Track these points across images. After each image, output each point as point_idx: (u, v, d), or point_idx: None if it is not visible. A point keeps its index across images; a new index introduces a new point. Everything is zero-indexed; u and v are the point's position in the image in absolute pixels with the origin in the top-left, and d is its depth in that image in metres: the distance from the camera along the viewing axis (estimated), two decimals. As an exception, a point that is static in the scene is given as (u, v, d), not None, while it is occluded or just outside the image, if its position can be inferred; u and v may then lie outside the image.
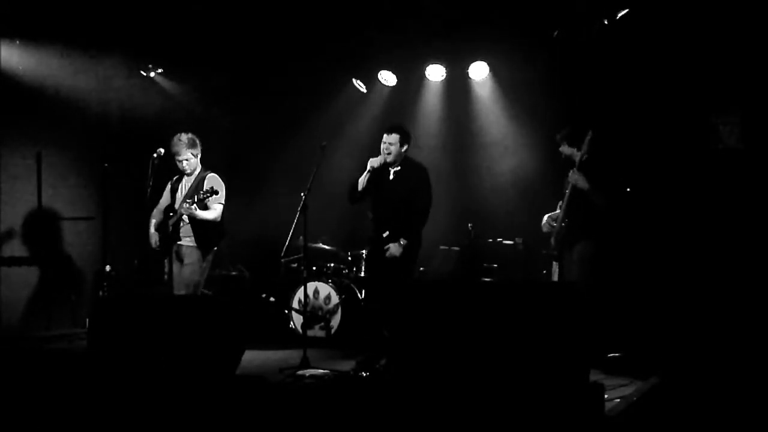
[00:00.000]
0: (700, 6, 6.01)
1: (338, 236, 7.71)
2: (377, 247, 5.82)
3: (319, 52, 7.73)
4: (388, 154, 5.73)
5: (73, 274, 7.86)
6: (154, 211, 6.14)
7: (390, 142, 5.73)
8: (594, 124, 5.58)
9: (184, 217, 5.83)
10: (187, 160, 5.92)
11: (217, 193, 5.70)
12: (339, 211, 7.29)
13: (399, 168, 5.81)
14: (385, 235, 5.75)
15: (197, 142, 5.98)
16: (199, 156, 6.02)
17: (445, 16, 6.96)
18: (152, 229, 6.02)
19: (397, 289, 5.57)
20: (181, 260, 5.93)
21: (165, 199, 6.14)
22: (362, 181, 5.79)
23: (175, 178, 6.15)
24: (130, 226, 7.70)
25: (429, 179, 5.85)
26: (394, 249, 5.65)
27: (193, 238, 5.89)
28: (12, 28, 7.10)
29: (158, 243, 5.96)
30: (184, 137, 5.92)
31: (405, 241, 5.66)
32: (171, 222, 5.88)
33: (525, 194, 7.27)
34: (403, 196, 5.74)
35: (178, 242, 5.94)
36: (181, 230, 5.90)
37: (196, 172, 6.02)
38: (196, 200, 5.69)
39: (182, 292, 5.84)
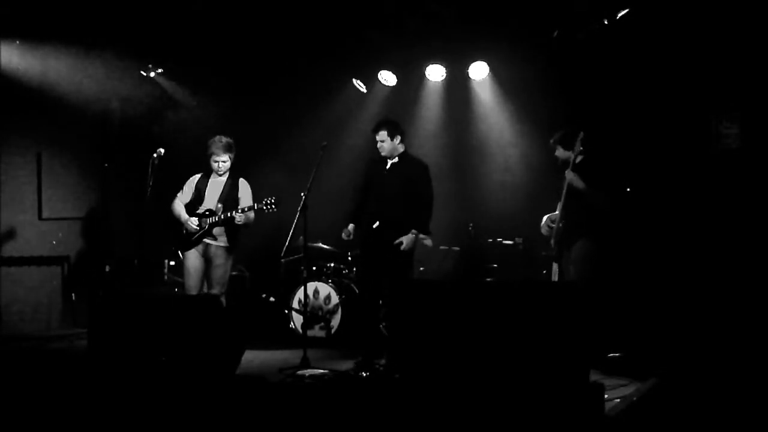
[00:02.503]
0: (700, 6, 6.01)
1: (338, 236, 7.70)
2: (370, 240, 5.82)
3: (319, 52, 7.73)
4: (381, 150, 5.82)
5: (73, 274, 7.86)
6: (176, 204, 6.10)
7: (380, 139, 5.81)
8: (585, 125, 5.59)
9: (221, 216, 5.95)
10: (224, 162, 6.03)
11: (279, 204, 5.84)
12: (339, 211, 7.28)
13: (396, 160, 5.86)
14: (374, 226, 5.76)
15: (233, 147, 6.09)
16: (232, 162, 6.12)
17: (445, 16, 6.96)
18: (186, 216, 6.02)
19: (396, 282, 5.60)
20: (209, 259, 6.02)
21: (187, 195, 6.13)
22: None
23: (198, 178, 6.15)
24: (130, 226, 7.70)
25: (429, 175, 5.88)
26: (407, 241, 5.66)
27: (226, 239, 6.03)
28: (12, 28, 7.10)
29: (196, 227, 5.97)
30: (225, 140, 6.04)
31: (416, 233, 5.70)
32: (210, 221, 5.96)
33: (525, 194, 7.27)
34: (398, 189, 5.77)
35: (208, 242, 6.01)
36: (214, 230, 6.01)
37: (226, 175, 6.11)
38: (255, 208, 5.86)
39: (215, 291, 6.00)
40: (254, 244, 8.08)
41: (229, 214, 5.89)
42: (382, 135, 5.80)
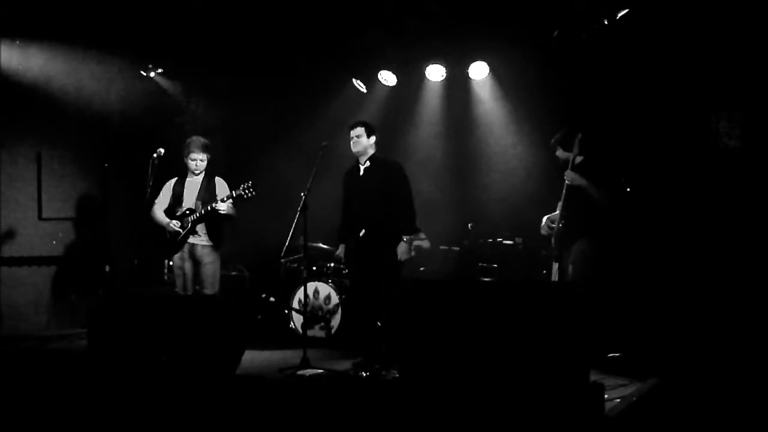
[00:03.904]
0: (700, 6, 6.01)
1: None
2: (359, 248, 5.82)
3: (319, 52, 7.73)
4: (355, 145, 5.89)
5: (73, 274, 7.86)
6: (156, 211, 6.17)
7: (357, 134, 5.89)
8: (583, 126, 5.59)
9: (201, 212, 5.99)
10: (201, 160, 6.12)
11: (257, 188, 5.87)
12: (339, 211, 7.27)
13: (368, 164, 5.91)
14: (361, 234, 5.77)
15: (210, 147, 6.20)
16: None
17: (445, 16, 6.96)
18: (166, 219, 6.09)
19: (388, 282, 5.62)
20: (197, 260, 6.08)
21: (165, 200, 6.20)
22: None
23: (174, 181, 6.23)
24: (130, 226, 7.70)
25: (404, 172, 5.90)
26: (402, 250, 5.71)
27: (208, 237, 6.07)
28: (12, 28, 7.10)
29: (179, 228, 6.03)
30: (202, 139, 6.16)
31: (406, 239, 5.74)
32: (192, 218, 6.02)
33: (525, 194, 7.26)
34: (374, 191, 5.80)
35: (193, 242, 6.07)
36: (198, 229, 6.07)
37: (202, 175, 6.18)
38: (234, 196, 5.90)
39: (208, 291, 6.05)
40: (254, 244, 8.09)
41: (209, 207, 5.92)
42: (359, 131, 5.88)
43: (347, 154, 7.71)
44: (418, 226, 5.93)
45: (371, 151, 5.92)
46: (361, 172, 5.92)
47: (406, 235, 5.77)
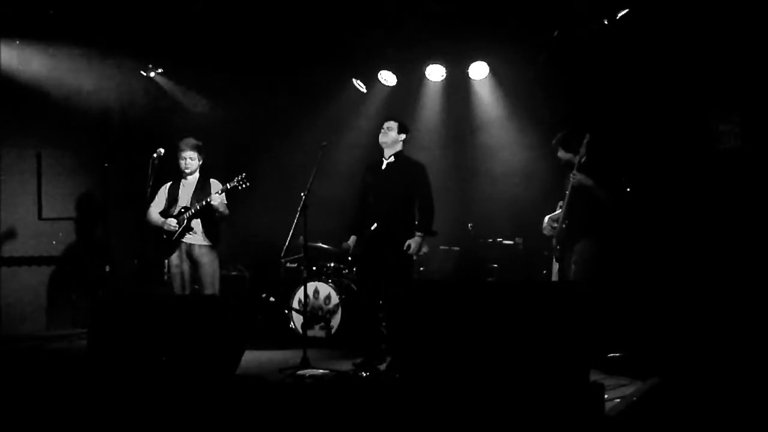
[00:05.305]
0: (700, 6, 6.01)
1: (338, 236, 7.70)
2: (369, 241, 5.81)
3: (319, 52, 7.73)
4: (383, 136, 5.83)
5: (73, 274, 7.86)
6: (152, 213, 6.15)
7: (389, 127, 5.85)
8: (590, 127, 5.59)
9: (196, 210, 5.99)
10: (191, 158, 6.10)
11: (250, 180, 5.88)
12: (339, 211, 7.28)
13: (393, 160, 5.86)
14: (372, 228, 5.75)
15: (202, 149, 6.19)
16: (200, 164, 6.18)
17: (445, 16, 6.96)
18: (162, 219, 6.07)
19: (397, 282, 5.60)
20: (194, 261, 6.07)
21: (160, 202, 6.19)
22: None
23: (170, 184, 6.23)
24: (130, 226, 7.71)
25: (427, 174, 5.88)
26: (415, 244, 5.66)
27: (205, 236, 6.06)
28: (12, 28, 7.10)
29: (175, 225, 6.02)
30: (193, 140, 6.17)
31: (422, 235, 5.71)
32: (188, 215, 6.00)
33: (525, 194, 7.27)
34: (395, 188, 5.76)
35: (190, 242, 6.05)
36: (194, 227, 6.06)
37: (195, 176, 6.18)
38: (228, 189, 5.88)
39: (207, 291, 6.04)
40: (254, 244, 8.09)
41: (204, 202, 5.91)
42: (392, 125, 5.85)
43: (347, 154, 7.75)
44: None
45: (398, 148, 5.87)
46: (384, 166, 5.87)
47: (421, 232, 5.72)
